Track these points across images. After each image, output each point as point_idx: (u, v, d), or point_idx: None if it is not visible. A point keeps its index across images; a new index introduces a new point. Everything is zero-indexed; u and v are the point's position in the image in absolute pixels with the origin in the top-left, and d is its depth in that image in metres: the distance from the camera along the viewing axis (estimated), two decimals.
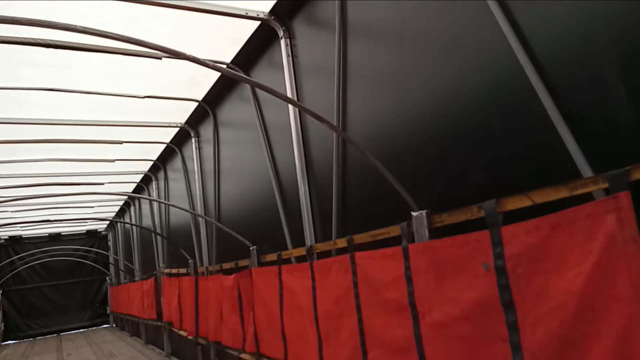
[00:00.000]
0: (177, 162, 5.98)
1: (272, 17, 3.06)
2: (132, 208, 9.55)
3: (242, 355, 3.62)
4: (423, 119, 2.02)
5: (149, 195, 7.63)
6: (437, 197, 1.94)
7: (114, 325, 13.32)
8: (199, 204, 5.11)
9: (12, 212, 8.09)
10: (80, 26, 1.66)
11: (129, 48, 3.09)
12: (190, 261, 5.29)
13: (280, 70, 3.10)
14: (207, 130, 4.89)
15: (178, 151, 5.80)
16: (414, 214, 1.89)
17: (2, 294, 12.57)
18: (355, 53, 2.45)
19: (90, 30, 1.65)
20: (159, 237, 7.15)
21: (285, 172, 3.27)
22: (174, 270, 6.02)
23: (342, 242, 2.38)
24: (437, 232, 1.83)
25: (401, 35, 2.12)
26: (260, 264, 3.46)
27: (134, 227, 9.41)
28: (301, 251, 2.82)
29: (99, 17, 2.81)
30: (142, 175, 7.49)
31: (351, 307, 2.22)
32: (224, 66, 3.54)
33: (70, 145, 5.11)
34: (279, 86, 3.04)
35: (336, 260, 2.38)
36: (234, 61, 3.65)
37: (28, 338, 12.92)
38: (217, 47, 3.43)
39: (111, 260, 12.82)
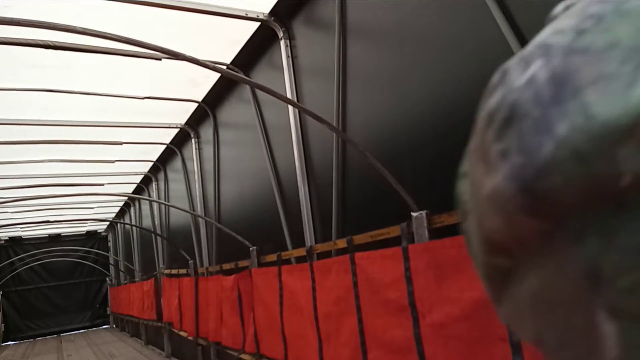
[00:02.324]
0: (177, 163, 5.98)
1: (272, 18, 3.06)
2: (132, 209, 9.55)
3: (242, 356, 3.62)
4: (423, 119, 2.03)
5: (149, 196, 7.63)
6: (436, 198, 1.95)
7: (114, 326, 13.31)
8: (198, 204, 5.11)
9: (12, 212, 8.09)
10: (80, 27, 1.66)
11: (129, 49, 3.09)
12: (190, 262, 5.30)
13: (280, 71, 3.11)
14: (207, 131, 4.89)
15: (178, 152, 5.80)
16: (413, 214, 1.89)
17: (2, 295, 12.56)
18: (355, 54, 2.45)
19: (90, 31, 1.65)
20: (159, 238, 7.15)
21: (285, 173, 3.28)
22: (174, 271, 6.02)
23: (342, 243, 2.39)
24: (437, 233, 1.83)
25: (401, 36, 2.12)
26: (260, 264, 3.47)
27: (134, 228, 9.41)
28: (301, 252, 2.82)
29: (99, 18, 2.81)
30: (142, 176, 7.49)
31: (351, 308, 2.22)
32: (224, 67, 3.54)
33: (70, 146, 5.11)
34: (278, 87, 3.04)
35: (336, 260, 2.38)
36: (233, 62, 3.66)
37: (28, 339, 12.91)
38: (217, 48, 3.43)
39: (111, 261, 12.82)
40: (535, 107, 0.17)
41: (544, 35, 0.19)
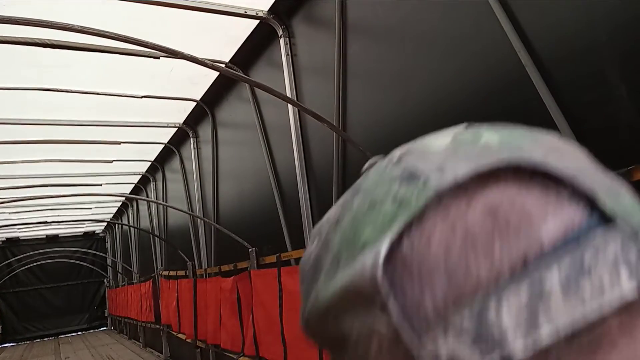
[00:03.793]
0: (175, 163, 5.95)
1: (272, 16, 3.04)
2: (130, 209, 9.51)
3: (242, 359, 3.59)
4: (424, 119, 2.01)
5: (147, 196, 7.59)
6: None
7: (112, 328, 13.25)
8: (197, 205, 5.08)
9: (9, 213, 8.05)
10: (78, 25, 1.64)
11: (127, 47, 3.07)
12: (189, 263, 5.27)
13: (280, 70, 3.09)
14: (205, 130, 4.86)
15: (176, 152, 5.77)
16: None
17: None
18: (356, 52, 2.43)
19: (88, 30, 1.63)
20: (157, 239, 7.12)
21: (285, 173, 3.25)
22: (172, 273, 5.98)
23: None
24: None
25: (402, 35, 2.11)
26: (260, 266, 3.44)
27: (132, 229, 9.37)
28: (301, 253, 2.79)
29: (97, 16, 2.79)
30: (140, 176, 7.46)
31: None
32: (223, 65, 3.52)
33: (67, 146, 5.08)
34: (278, 86, 3.02)
35: None
36: (232, 60, 3.63)
37: (26, 341, 12.84)
38: (216, 46, 3.41)
39: (109, 262, 12.76)
40: (303, 281, 0.27)
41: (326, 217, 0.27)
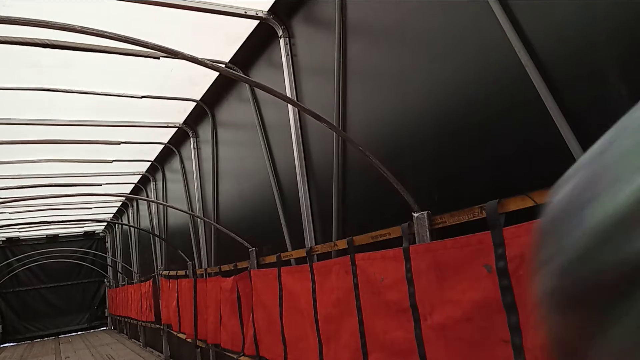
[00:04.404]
0: (175, 163, 5.95)
1: (271, 16, 3.04)
2: (130, 209, 9.51)
3: (242, 358, 3.59)
4: (424, 119, 2.01)
5: (147, 196, 7.59)
6: (438, 198, 1.93)
7: (113, 327, 13.26)
8: (197, 205, 5.08)
9: (9, 213, 8.05)
10: (79, 26, 1.64)
11: (127, 48, 3.07)
12: (189, 263, 5.27)
13: (280, 70, 3.09)
14: (205, 130, 4.87)
15: (176, 152, 5.78)
16: (415, 214, 1.87)
17: (0, 297, 12.51)
18: (355, 52, 2.43)
19: (89, 30, 1.63)
20: (157, 239, 7.12)
21: (285, 173, 3.25)
22: (172, 272, 5.99)
23: (342, 244, 2.36)
24: (438, 233, 1.81)
25: (401, 35, 2.10)
26: (260, 265, 3.44)
27: (132, 229, 9.37)
28: (301, 253, 2.79)
29: (97, 16, 2.79)
30: (140, 176, 7.46)
31: (352, 309, 2.20)
32: (223, 65, 3.52)
33: (67, 146, 5.08)
34: (278, 86, 3.02)
35: (336, 261, 2.36)
36: (232, 61, 3.64)
37: (26, 340, 12.86)
38: (216, 47, 3.41)
39: (109, 262, 12.77)
40: (556, 225, 0.23)
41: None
